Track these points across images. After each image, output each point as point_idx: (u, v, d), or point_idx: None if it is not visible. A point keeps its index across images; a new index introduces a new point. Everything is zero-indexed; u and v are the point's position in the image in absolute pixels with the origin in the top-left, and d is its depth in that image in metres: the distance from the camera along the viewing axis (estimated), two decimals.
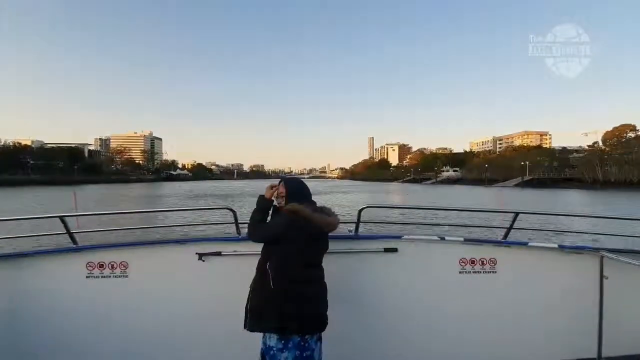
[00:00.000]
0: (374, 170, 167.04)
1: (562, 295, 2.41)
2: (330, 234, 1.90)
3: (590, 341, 2.31)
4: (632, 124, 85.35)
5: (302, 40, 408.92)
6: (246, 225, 1.95)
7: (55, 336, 2.32)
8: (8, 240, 2.58)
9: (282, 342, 1.67)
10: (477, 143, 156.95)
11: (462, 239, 2.48)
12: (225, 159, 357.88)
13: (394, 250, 2.41)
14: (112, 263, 2.37)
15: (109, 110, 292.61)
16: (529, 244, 2.44)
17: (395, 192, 49.57)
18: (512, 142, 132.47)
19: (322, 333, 1.80)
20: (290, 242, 1.73)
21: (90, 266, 2.36)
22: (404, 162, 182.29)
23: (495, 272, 2.43)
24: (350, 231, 2.48)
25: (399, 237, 2.44)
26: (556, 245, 2.42)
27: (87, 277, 2.36)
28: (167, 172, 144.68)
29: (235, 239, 2.42)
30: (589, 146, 56.03)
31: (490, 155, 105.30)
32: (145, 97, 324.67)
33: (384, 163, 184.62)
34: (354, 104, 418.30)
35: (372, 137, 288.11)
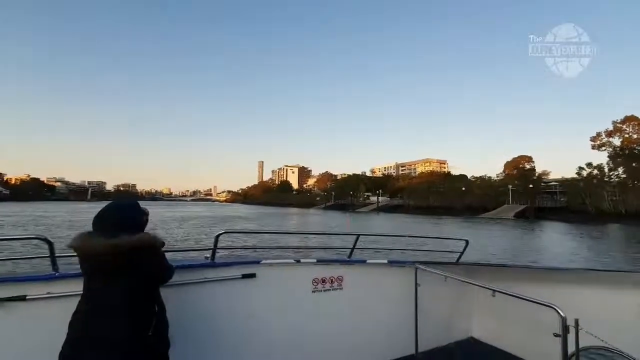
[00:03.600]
0: (275, 194, 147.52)
1: (391, 302, 2.86)
2: (183, 262, 2.01)
3: (410, 340, 2.76)
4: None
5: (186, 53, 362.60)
6: (63, 259, 1.91)
7: None
8: None
9: None
10: (380, 168, 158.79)
11: (315, 260, 2.65)
12: (83, 176, 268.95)
13: (252, 275, 2.39)
14: None
15: None
16: (367, 261, 2.83)
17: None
18: (415, 168, 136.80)
19: None
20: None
21: None
22: (305, 185, 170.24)
23: (342, 288, 2.69)
24: (207, 258, 2.34)
25: (257, 262, 2.45)
26: (386, 261, 2.86)
27: None
28: None
29: (49, 277, 1.89)
30: (577, 174, 48.66)
31: (412, 179, 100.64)
32: None
33: (286, 186, 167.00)
34: (241, 124, 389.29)
35: (262, 161, 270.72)
